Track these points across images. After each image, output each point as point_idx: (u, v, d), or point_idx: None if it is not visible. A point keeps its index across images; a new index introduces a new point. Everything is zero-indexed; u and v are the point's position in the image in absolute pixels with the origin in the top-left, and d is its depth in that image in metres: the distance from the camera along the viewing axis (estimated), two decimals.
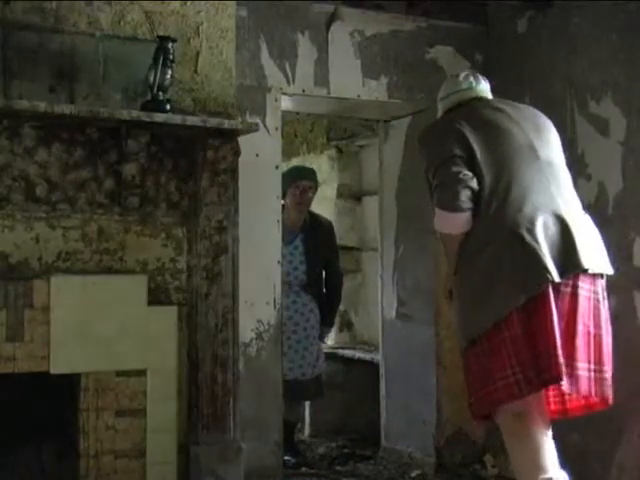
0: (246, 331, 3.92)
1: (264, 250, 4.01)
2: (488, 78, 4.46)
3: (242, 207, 3.62)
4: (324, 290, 4.97)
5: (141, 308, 3.18)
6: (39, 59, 3.11)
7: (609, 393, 2.94)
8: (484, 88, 3.27)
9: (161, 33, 3.23)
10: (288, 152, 6.23)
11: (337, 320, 5.50)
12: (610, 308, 3.77)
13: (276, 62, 4.04)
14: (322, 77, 4.15)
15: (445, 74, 4.43)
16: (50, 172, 3.12)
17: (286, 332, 4.52)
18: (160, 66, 3.08)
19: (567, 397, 3.01)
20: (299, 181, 4.82)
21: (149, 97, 3.11)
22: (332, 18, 4.15)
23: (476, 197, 2.91)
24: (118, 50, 3.23)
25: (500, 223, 2.89)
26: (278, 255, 4.07)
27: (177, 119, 3.11)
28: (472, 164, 2.92)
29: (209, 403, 3.33)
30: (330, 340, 5.67)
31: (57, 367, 3.05)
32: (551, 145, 3.09)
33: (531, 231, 2.83)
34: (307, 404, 5.29)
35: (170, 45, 3.11)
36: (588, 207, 3.88)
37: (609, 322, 2.98)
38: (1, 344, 2.98)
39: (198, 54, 3.38)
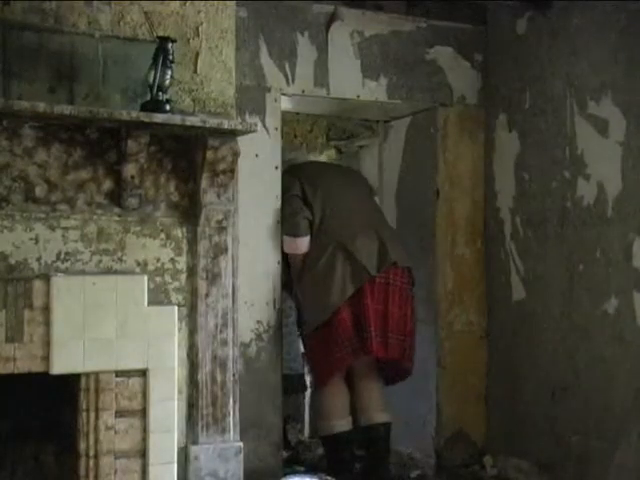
0: (246, 331, 3.92)
1: (264, 250, 4.01)
2: (488, 78, 4.51)
3: (242, 207, 3.62)
4: None
5: (141, 308, 3.18)
6: (39, 59, 3.11)
7: (411, 354, 4.13)
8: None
9: (161, 33, 3.23)
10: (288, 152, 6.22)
11: None
12: (610, 308, 3.80)
13: (276, 62, 4.05)
14: (322, 77, 4.15)
15: (445, 74, 4.44)
16: (49, 172, 3.12)
17: None
18: (160, 66, 3.08)
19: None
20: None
21: (149, 97, 3.10)
22: (332, 18, 4.15)
23: (311, 224, 4.07)
24: (118, 50, 3.23)
25: (330, 240, 4.03)
26: (278, 255, 4.07)
27: (177, 119, 3.11)
28: (306, 202, 4.08)
29: (209, 403, 3.33)
30: None
31: (57, 367, 3.05)
32: (359, 186, 4.43)
33: (353, 243, 4.01)
34: (307, 404, 5.28)
35: (170, 45, 3.11)
36: (587, 207, 3.90)
37: (410, 302, 4.14)
38: (1, 345, 2.98)
39: (198, 54, 3.38)
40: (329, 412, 4.12)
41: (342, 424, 4.12)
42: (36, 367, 3.03)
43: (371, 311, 3.97)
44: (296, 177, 4.17)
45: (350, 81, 4.23)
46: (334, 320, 3.95)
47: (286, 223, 4.06)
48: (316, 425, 4.32)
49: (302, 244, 4.06)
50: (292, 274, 4.24)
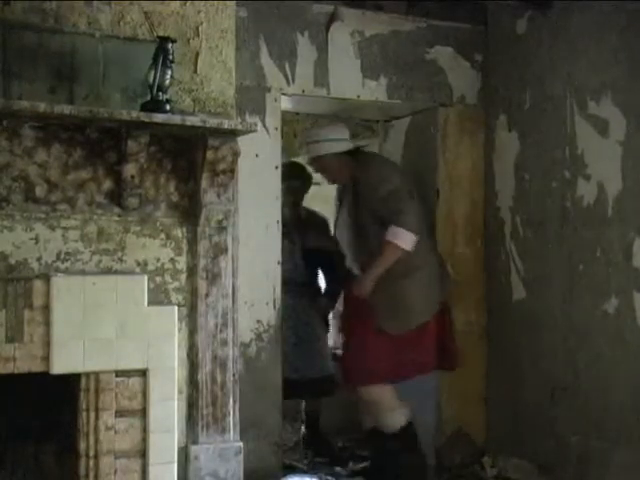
0: (246, 331, 3.92)
1: (264, 250, 4.01)
2: (488, 78, 4.50)
3: (242, 207, 3.62)
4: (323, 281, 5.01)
5: (141, 308, 3.18)
6: (39, 59, 3.11)
7: None
8: None
9: (161, 33, 3.22)
10: (288, 152, 6.23)
11: (337, 321, 5.49)
12: (610, 308, 3.80)
13: (276, 62, 4.05)
14: (322, 77, 4.15)
15: (445, 74, 4.44)
16: (50, 172, 3.12)
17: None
18: (160, 66, 3.08)
19: None
20: (286, 182, 4.68)
21: (149, 97, 3.10)
22: (332, 18, 4.15)
23: None
24: (118, 50, 3.22)
25: (431, 251, 4.13)
26: (278, 255, 4.07)
27: (177, 119, 3.10)
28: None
29: (209, 403, 3.33)
30: (330, 340, 5.64)
31: (57, 367, 3.05)
32: None
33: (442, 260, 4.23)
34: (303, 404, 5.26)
35: (170, 45, 3.11)
36: (587, 207, 3.90)
37: None
38: (1, 345, 2.97)
39: (198, 54, 3.38)
40: (390, 404, 4.05)
41: (405, 412, 4.08)
42: (36, 367, 3.03)
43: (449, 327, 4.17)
44: (398, 172, 4.16)
45: (350, 81, 4.23)
46: (424, 329, 4.04)
47: (404, 218, 3.90)
48: (367, 419, 4.21)
49: (413, 241, 3.95)
50: (374, 267, 3.98)
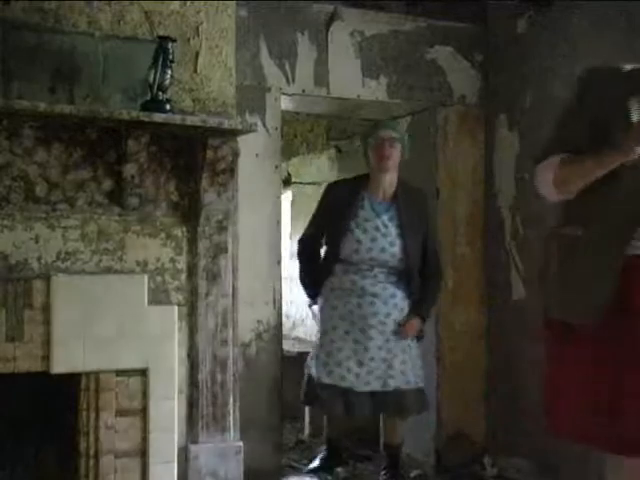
0: (246, 331, 3.92)
1: (264, 250, 4.01)
2: (488, 78, 4.50)
3: (242, 207, 3.62)
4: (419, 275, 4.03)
5: (141, 308, 3.18)
6: (39, 59, 3.11)
7: None
8: None
9: (161, 33, 3.23)
10: (288, 152, 6.24)
11: None
12: None
13: (276, 62, 4.04)
14: (322, 77, 4.15)
15: (445, 74, 4.44)
16: (50, 172, 3.12)
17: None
18: (160, 66, 3.08)
19: None
20: (376, 133, 3.94)
21: (149, 97, 3.11)
22: (332, 18, 4.15)
23: None
24: (118, 50, 3.23)
25: None
26: (278, 255, 4.07)
27: (177, 119, 3.11)
28: None
29: (209, 403, 3.34)
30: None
31: (57, 367, 3.05)
32: None
33: None
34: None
35: (170, 45, 3.11)
36: None
37: None
38: (1, 344, 2.98)
39: (198, 54, 3.38)
40: None
41: None
42: (36, 367, 3.04)
43: None
44: None
45: (350, 80, 4.22)
46: None
47: None
48: None
49: None
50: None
